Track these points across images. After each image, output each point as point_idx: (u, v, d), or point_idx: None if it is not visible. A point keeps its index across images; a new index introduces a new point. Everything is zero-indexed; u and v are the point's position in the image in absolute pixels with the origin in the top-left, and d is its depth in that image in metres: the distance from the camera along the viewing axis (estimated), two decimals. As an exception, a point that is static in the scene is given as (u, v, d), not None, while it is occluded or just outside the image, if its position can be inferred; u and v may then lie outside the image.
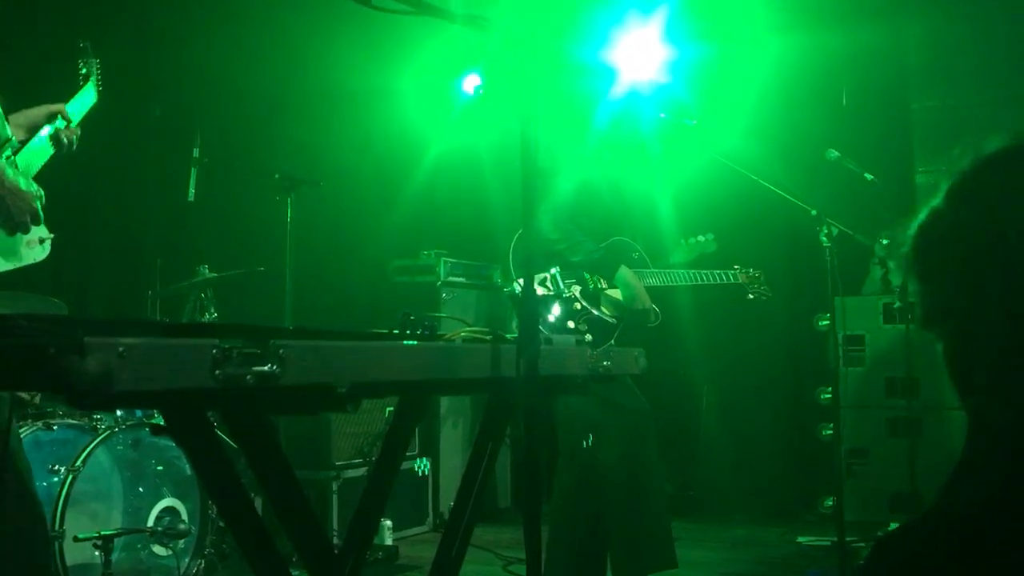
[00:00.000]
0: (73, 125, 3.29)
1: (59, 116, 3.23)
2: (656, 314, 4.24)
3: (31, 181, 3.02)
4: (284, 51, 6.11)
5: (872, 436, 6.30)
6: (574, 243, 4.10)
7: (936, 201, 1.06)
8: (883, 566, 1.02)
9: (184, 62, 5.89)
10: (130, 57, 5.89)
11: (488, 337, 2.15)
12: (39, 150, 3.17)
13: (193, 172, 4.83)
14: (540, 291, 4.01)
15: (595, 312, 4.13)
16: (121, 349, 1.23)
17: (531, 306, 2.07)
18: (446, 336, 2.15)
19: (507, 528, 5.99)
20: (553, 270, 4.07)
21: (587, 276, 4.18)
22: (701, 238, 4.54)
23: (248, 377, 1.39)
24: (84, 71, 3.54)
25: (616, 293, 4.20)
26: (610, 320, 4.15)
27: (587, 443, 4.10)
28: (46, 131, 3.19)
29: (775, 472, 6.88)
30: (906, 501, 5.81)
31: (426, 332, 2.22)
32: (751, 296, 4.46)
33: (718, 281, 4.39)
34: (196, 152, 4.82)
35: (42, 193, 3.02)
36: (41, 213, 2.99)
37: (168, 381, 1.29)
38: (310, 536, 1.73)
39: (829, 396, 5.24)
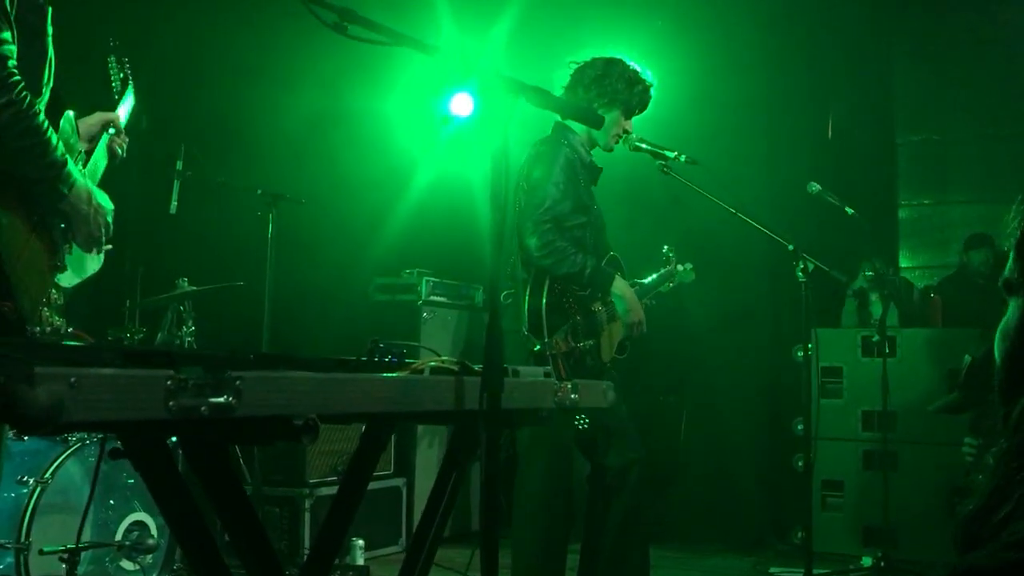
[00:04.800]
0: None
1: (111, 125, 3.05)
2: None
3: (104, 195, 2.85)
4: (273, 70, 6.12)
5: (848, 468, 6.31)
6: (562, 256, 3.75)
7: None
8: None
9: (173, 75, 5.89)
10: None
11: (455, 368, 2.16)
12: (97, 161, 2.99)
13: (176, 184, 4.82)
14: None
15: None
16: (72, 379, 1.22)
17: (497, 336, 2.07)
18: (413, 365, 2.16)
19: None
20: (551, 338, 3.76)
21: (599, 325, 3.94)
22: (680, 268, 4.47)
23: (203, 408, 1.39)
24: (121, 74, 3.31)
25: (617, 330, 4.04)
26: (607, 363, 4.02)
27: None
28: (102, 141, 3.01)
29: (751, 502, 6.88)
30: (879, 534, 5.82)
31: (393, 360, 2.23)
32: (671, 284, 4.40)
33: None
34: (179, 165, 4.81)
35: (112, 207, 2.86)
36: (112, 228, 2.85)
37: (120, 412, 1.29)
38: (265, 567, 1.73)
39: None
